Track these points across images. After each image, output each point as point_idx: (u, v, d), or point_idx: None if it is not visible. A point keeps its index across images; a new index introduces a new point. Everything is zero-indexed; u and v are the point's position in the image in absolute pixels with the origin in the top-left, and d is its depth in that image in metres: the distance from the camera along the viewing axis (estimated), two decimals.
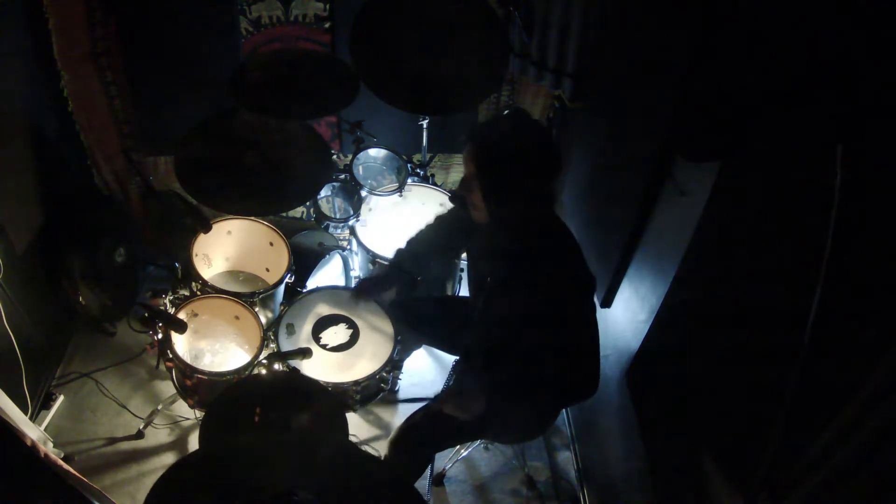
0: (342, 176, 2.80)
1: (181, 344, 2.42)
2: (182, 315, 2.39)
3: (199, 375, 2.32)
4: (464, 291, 2.97)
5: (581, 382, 1.92)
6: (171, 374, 2.47)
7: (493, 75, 2.56)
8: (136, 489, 2.60)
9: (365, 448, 2.73)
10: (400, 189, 2.80)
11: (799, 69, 1.25)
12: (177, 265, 2.58)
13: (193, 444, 2.76)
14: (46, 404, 2.79)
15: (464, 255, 2.73)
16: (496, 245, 2.00)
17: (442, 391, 2.15)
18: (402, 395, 2.97)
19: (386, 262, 2.59)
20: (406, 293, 2.63)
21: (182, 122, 2.52)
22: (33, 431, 2.47)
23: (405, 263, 2.40)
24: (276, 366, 2.15)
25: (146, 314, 2.24)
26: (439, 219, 2.40)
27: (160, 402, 2.80)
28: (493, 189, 1.85)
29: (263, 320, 2.50)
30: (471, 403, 1.98)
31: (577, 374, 1.90)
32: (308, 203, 3.04)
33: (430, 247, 2.39)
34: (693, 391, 1.86)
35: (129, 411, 2.81)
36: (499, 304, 2.01)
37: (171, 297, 2.51)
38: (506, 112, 2.14)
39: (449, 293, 2.96)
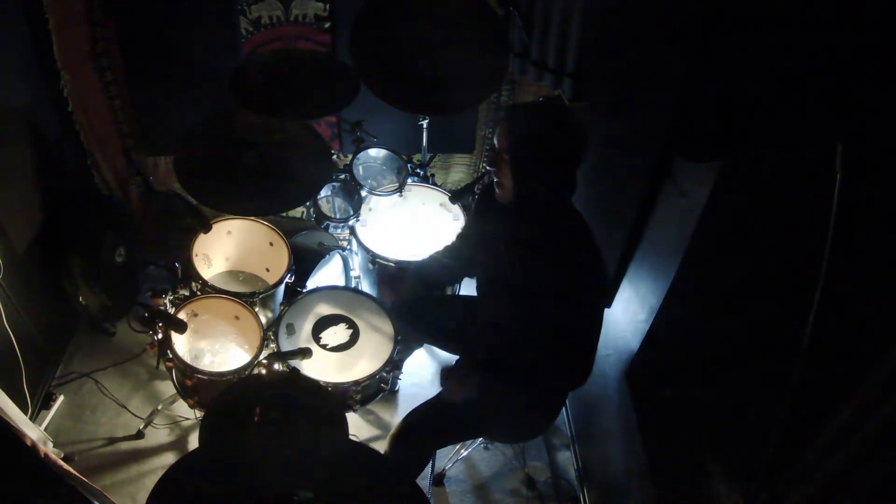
0: (342, 176, 2.80)
1: (181, 344, 2.42)
2: (182, 315, 2.39)
3: (199, 375, 2.32)
4: (464, 291, 2.97)
5: (577, 370, 1.94)
6: (171, 374, 2.47)
7: (492, 75, 2.56)
8: (136, 489, 2.60)
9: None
10: (400, 189, 2.80)
11: (799, 69, 1.25)
12: (177, 265, 2.58)
13: (193, 444, 2.76)
14: (46, 404, 2.79)
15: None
16: (517, 227, 2.01)
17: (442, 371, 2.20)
18: (401, 394, 2.97)
19: (385, 261, 2.60)
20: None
21: (182, 122, 2.52)
22: (33, 431, 2.47)
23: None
24: (276, 366, 2.15)
25: (146, 314, 2.24)
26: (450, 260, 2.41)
27: (160, 402, 2.80)
28: (522, 166, 1.87)
29: (263, 320, 2.50)
30: (465, 381, 2.07)
31: (574, 361, 1.93)
32: (308, 203, 3.04)
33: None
34: (693, 391, 1.86)
35: (129, 411, 2.81)
36: (515, 281, 2.03)
37: (171, 297, 2.51)
38: (541, 98, 2.16)
39: (449, 293, 2.95)
